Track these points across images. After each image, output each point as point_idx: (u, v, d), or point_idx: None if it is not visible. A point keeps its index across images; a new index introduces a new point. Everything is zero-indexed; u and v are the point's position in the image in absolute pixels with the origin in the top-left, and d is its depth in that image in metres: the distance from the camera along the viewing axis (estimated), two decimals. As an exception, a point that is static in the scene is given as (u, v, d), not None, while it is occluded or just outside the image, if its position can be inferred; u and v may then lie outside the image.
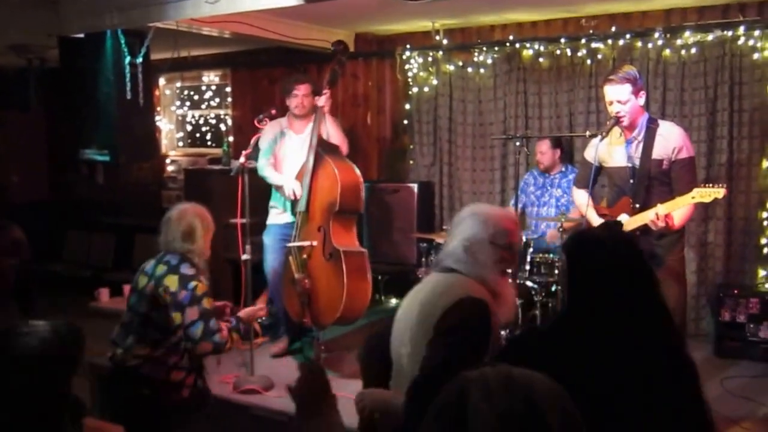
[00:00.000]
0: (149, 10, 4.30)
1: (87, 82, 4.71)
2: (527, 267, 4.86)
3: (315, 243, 4.45)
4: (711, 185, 3.32)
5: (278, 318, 5.02)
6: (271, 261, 4.91)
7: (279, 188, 4.85)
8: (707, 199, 3.30)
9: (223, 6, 4.06)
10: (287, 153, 4.88)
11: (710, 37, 5.04)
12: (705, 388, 4.31)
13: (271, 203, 5.00)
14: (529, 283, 4.94)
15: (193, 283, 3.10)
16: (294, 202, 4.68)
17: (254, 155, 4.78)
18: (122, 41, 4.57)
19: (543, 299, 4.91)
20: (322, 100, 4.65)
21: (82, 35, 4.68)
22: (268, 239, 4.95)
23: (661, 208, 3.36)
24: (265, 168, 4.84)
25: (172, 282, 3.09)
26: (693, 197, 3.32)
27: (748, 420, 3.84)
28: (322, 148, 4.59)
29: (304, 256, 4.47)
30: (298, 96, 4.76)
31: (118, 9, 4.41)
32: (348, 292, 4.29)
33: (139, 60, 4.67)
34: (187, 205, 3.33)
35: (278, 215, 4.94)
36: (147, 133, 4.96)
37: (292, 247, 4.53)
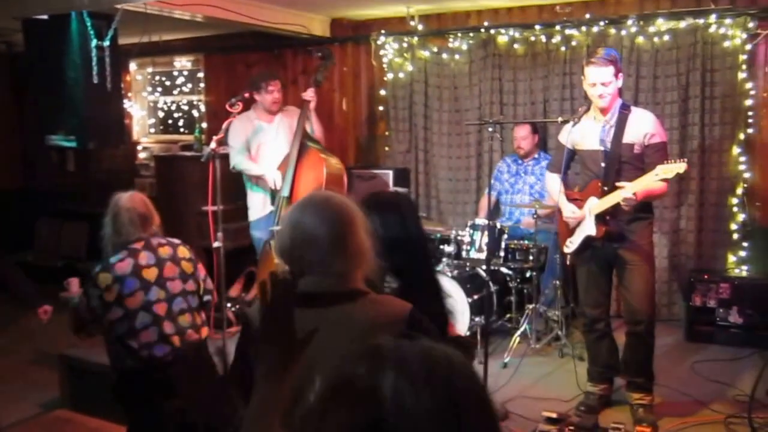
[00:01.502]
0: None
1: (52, 65, 4.59)
2: (502, 254, 4.87)
3: None
4: (672, 161, 3.34)
5: None
6: None
7: (259, 178, 4.82)
8: (670, 175, 3.32)
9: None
10: (262, 142, 4.88)
11: (683, 24, 5.07)
12: (676, 372, 4.38)
13: (249, 198, 4.95)
14: (504, 270, 4.96)
15: (188, 246, 3.32)
16: (274, 192, 4.68)
17: (226, 141, 4.73)
18: (88, 23, 4.46)
19: (518, 285, 4.93)
20: (309, 94, 4.74)
21: (46, 17, 4.56)
22: (259, 233, 4.91)
23: (628, 189, 3.37)
24: (242, 162, 4.82)
25: (185, 252, 3.23)
26: (657, 174, 3.33)
27: (716, 402, 3.89)
28: (308, 139, 4.66)
29: None
30: (274, 92, 4.83)
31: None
32: None
33: (107, 43, 4.56)
34: (127, 193, 3.27)
35: (264, 208, 4.89)
36: (116, 119, 4.86)
37: (274, 232, 4.52)
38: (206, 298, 3.30)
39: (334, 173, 4.59)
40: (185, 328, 3.10)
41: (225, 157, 4.71)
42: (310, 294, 1.62)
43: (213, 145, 4.31)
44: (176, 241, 3.26)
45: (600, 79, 3.44)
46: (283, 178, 4.66)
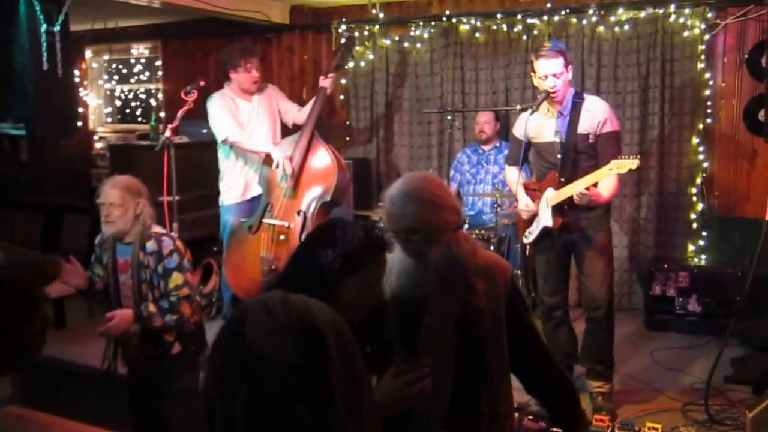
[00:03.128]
0: (65, -27, 4.06)
1: (-1, 50, 4.42)
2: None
3: (292, 225, 4.35)
4: (627, 156, 3.34)
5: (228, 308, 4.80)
6: None
7: (250, 154, 4.65)
8: (623, 170, 3.32)
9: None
10: (243, 122, 4.71)
11: (643, 14, 5.08)
12: (635, 360, 4.41)
13: (227, 181, 4.76)
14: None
15: None
16: (265, 176, 4.53)
17: (181, 129, 4.60)
18: (37, 7, 4.30)
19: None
20: (327, 82, 4.63)
21: (-10, -1, 4.39)
22: (233, 217, 4.73)
23: (579, 185, 3.38)
24: (238, 135, 4.59)
25: None
26: (611, 169, 3.33)
27: (675, 390, 3.94)
28: (320, 133, 4.56)
29: (282, 236, 4.35)
30: (253, 70, 4.65)
31: (31, -28, 4.15)
32: None
33: (57, 28, 4.40)
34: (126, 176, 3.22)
35: (244, 193, 4.74)
36: (67, 106, 4.68)
37: (265, 223, 4.40)
38: None
39: (343, 175, 4.51)
40: None
41: (180, 146, 4.58)
42: None
43: (168, 133, 4.20)
44: None
45: (551, 71, 3.44)
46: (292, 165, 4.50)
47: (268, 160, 4.55)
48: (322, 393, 0.94)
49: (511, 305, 2.04)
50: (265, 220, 4.44)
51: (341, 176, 4.45)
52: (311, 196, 4.41)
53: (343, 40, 4.89)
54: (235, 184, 4.76)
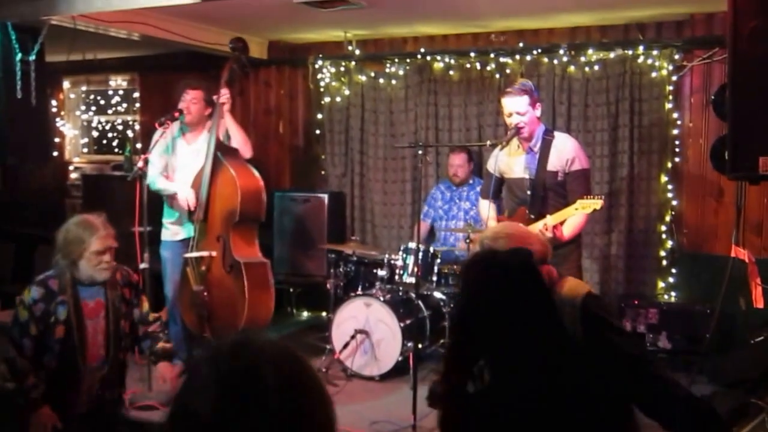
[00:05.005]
0: (39, 3, 4.08)
1: (-28, 78, 4.42)
2: (434, 278, 4.85)
3: (214, 254, 4.28)
4: (592, 196, 3.40)
5: (177, 342, 4.65)
6: (171, 275, 4.61)
7: (173, 198, 4.56)
8: (588, 210, 3.37)
9: (116, 2, 3.88)
10: (178, 164, 4.59)
11: (612, 55, 5.20)
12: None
13: (166, 220, 4.68)
14: (437, 294, 4.93)
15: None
16: (191, 212, 4.45)
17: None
18: (13, 36, 4.33)
19: (452, 310, 4.90)
20: (223, 94, 4.41)
21: (-35, 29, 4.41)
22: (167, 253, 4.65)
23: (549, 220, 3.42)
24: (157, 179, 4.50)
25: None
26: (576, 208, 3.38)
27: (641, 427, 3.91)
28: (221, 152, 4.37)
29: (203, 267, 4.28)
30: (185, 101, 4.48)
31: (6, 1, 4.18)
32: (250, 305, 4.17)
33: (32, 58, 4.42)
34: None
35: (175, 234, 4.62)
36: (41, 135, 4.69)
37: (189, 258, 4.33)
38: None
39: (250, 190, 4.32)
40: None
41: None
42: None
43: (140, 163, 4.19)
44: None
45: (515, 109, 3.51)
46: (197, 198, 4.36)
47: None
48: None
49: None
50: (188, 255, 4.36)
51: (246, 192, 4.28)
52: (224, 219, 4.30)
53: (231, 45, 4.60)
54: (169, 223, 4.66)
